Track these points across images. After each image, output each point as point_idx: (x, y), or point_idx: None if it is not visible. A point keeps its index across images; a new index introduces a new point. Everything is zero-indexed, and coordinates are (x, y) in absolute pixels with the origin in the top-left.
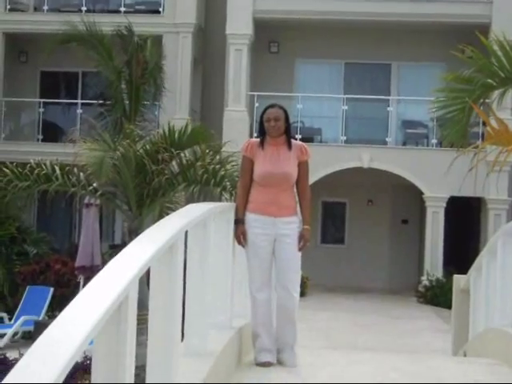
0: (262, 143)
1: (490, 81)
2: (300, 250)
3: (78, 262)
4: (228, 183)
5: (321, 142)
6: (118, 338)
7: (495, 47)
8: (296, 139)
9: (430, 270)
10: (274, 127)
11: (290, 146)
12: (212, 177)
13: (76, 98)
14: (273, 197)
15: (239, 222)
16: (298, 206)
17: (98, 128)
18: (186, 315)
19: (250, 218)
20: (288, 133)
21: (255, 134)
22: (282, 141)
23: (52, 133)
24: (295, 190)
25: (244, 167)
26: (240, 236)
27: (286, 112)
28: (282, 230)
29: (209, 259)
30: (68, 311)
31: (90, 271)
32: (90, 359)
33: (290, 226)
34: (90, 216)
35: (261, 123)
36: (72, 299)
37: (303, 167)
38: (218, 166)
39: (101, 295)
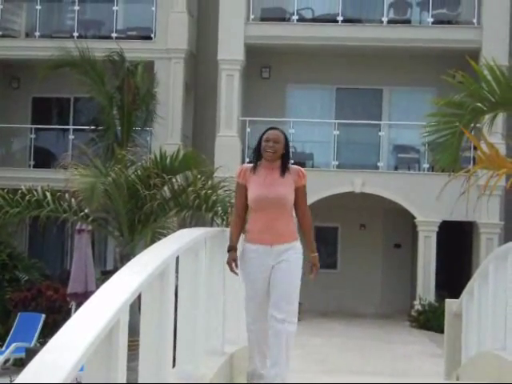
0: (255, 168)
1: (480, 105)
2: (313, 279)
3: (71, 289)
4: (220, 208)
5: (313, 166)
6: (109, 363)
7: (485, 72)
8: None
9: (423, 295)
10: (272, 148)
11: (285, 170)
12: (204, 202)
13: (68, 124)
14: (268, 223)
15: (232, 249)
16: (302, 233)
17: (89, 154)
18: (178, 341)
19: (247, 247)
20: (285, 159)
21: (247, 159)
22: (277, 165)
23: (44, 159)
24: (294, 216)
25: (237, 194)
26: (232, 263)
27: (286, 138)
28: (278, 258)
29: (200, 285)
30: (59, 336)
31: (83, 297)
32: None
33: (288, 253)
34: (82, 242)
35: (258, 146)
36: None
37: (301, 192)
38: (209, 192)
39: (91, 320)
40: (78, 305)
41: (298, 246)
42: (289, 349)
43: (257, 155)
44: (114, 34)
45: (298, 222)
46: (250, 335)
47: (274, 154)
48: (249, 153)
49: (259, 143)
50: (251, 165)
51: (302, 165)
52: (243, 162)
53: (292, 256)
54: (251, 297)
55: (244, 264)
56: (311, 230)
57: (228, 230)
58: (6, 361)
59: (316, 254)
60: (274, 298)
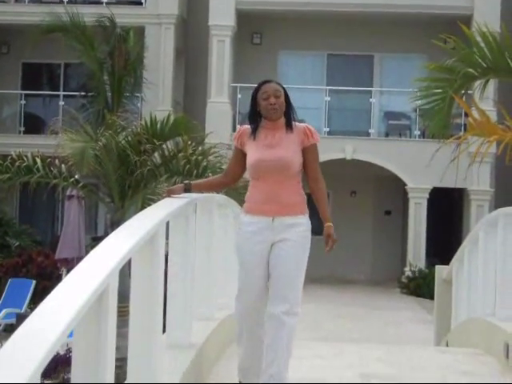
0: (254, 131)
1: (471, 70)
2: (328, 251)
3: (58, 254)
4: (210, 174)
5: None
6: (99, 329)
7: (477, 38)
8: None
9: (413, 261)
10: (275, 106)
11: (289, 128)
12: (194, 168)
13: (58, 90)
14: (270, 192)
15: (185, 186)
16: (314, 201)
17: (79, 120)
18: (168, 307)
19: (244, 220)
20: (288, 114)
21: (238, 126)
22: (280, 124)
23: (34, 125)
24: (301, 183)
25: (232, 157)
26: (168, 192)
27: (284, 89)
28: (280, 234)
29: (190, 251)
30: (47, 302)
31: (74, 263)
32: None
33: (293, 230)
34: (72, 208)
35: (253, 107)
36: None
37: (311, 153)
38: (200, 157)
39: (80, 286)
40: (69, 271)
41: (305, 221)
42: (290, 345)
43: (253, 117)
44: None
45: (310, 188)
46: (237, 319)
47: (279, 110)
48: (239, 119)
49: (254, 103)
50: (250, 127)
51: None
52: (234, 128)
53: (298, 234)
54: (241, 276)
55: (240, 239)
56: (325, 198)
57: (218, 195)
58: None
59: (331, 223)
60: (274, 284)
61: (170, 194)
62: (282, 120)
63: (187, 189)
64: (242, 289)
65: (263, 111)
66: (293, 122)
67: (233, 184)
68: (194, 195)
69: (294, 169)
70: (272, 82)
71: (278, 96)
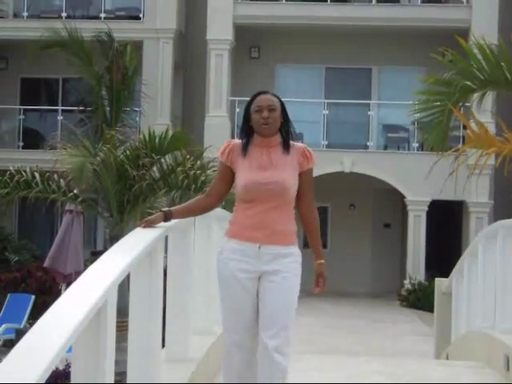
0: (246, 147)
1: (469, 83)
2: (318, 291)
3: (48, 263)
4: (208, 189)
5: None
6: (98, 344)
7: (475, 50)
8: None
9: (413, 274)
10: (268, 120)
11: (286, 147)
12: (193, 182)
13: (56, 105)
14: (261, 218)
15: (164, 214)
16: (306, 232)
17: (78, 134)
18: (167, 321)
19: (229, 246)
20: (285, 130)
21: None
22: (275, 141)
23: (33, 139)
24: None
25: (217, 174)
26: (144, 223)
27: (282, 102)
28: (269, 265)
29: (189, 265)
30: (46, 318)
31: (72, 278)
32: None
33: (283, 261)
34: (68, 222)
35: (245, 120)
36: None
37: (308, 177)
38: (198, 172)
39: (79, 301)
40: (68, 285)
41: (296, 251)
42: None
43: (246, 131)
44: (102, 14)
45: (302, 216)
46: (227, 354)
47: (272, 126)
48: (238, 133)
49: (247, 115)
50: (241, 141)
51: None
52: None
53: (289, 266)
54: (227, 307)
55: (222, 268)
56: (318, 229)
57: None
58: None
59: (323, 261)
60: (261, 319)
61: (148, 224)
62: (278, 137)
63: (167, 217)
64: (228, 327)
65: (255, 125)
66: (291, 141)
67: (217, 205)
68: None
69: (291, 194)
70: (267, 94)
71: (272, 109)
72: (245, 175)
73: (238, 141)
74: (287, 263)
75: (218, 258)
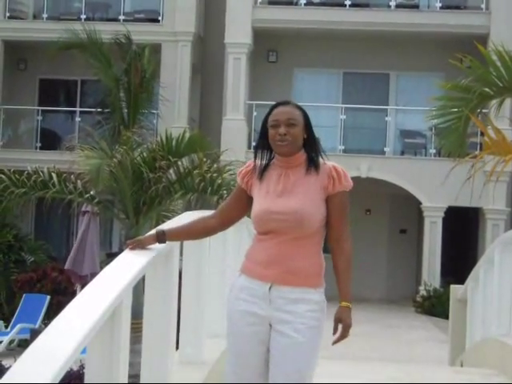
0: (264, 168)
1: (487, 90)
2: (336, 342)
3: (68, 266)
4: (225, 192)
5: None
6: (112, 345)
7: (494, 57)
8: (322, 158)
9: (428, 280)
10: (286, 137)
11: (310, 168)
12: (209, 185)
13: (74, 106)
14: (275, 252)
15: (157, 234)
16: (334, 269)
17: (95, 136)
18: (182, 324)
19: (239, 283)
20: (310, 148)
21: (253, 144)
22: (297, 160)
23: (50, 140)
24: (322, 245)
25: (231, 195)
26: (132, 244)
27: (305, 115)
28: (280, 312)
29: (204, 268)
30: (61, 318)
31: (87, 279)
32: None
33: (299, 309)
34: (86, 223)
35: (262, 134)
36: None
37: (336, 203)
38: (215, 175)
39: (94, 302)
40: (83, 286)
41: (317, 298)
42: None
43: (263, 148)
44: (121, 17)
45: (331, 250)
46: None
47: (290, 145)
48: (255, 136)
49: (265, 130)
50: (262, 163)
51: None
52: (249, 145)
53: (305, 315)
54: (232, 353)
55: (230, 307)
56: (350, 265)
57: None
58: (11, 342)
59: (349, 304)
60: (271, 377)
61: (138, 245)
62: (301, 156)
63: (160, 239)
64: (231, 372)
65: (271, 142)
66: (319, 161)
67: (221, 229)
68: (206, 212)
69: (313, 225)
70: (288, 105)
71: (291, 124)
72: (260, 203)
73: (257, 162)
74: (303, 312)
75: (228, 295)
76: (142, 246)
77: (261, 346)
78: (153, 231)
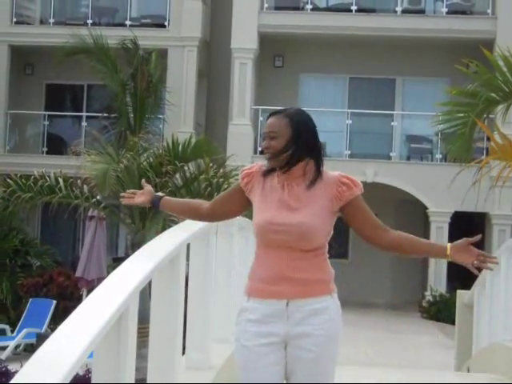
0: (266, 174)
1: (493, 95)
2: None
3: (78, 273)
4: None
5: (325, 156)
6: (119, 350)
7: (500, 62)
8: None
9: (434, 286)
10: (268, 150)
11: (316, 179)
12: (215, 190)
13: (81, 111)
14: (281, 268)
15: (155, 198)
16: (405, 250)
17: (102, 141)
18: (188, 328)
19: (247, 305)
20: (310, 157)
21: (259, 148)
22: (297, 172)
23: (57, 145)
24: (327, 256)
25: (228, 191)
26: (127, 194)
27: (298, 123)
28: (299, 326)
29: (211, 272)
30: (67, 323)
31: (94, 284)
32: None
33: (317, 319)
34: (93, 229)
35: None
36: None
37: (357, 206)
38: (221, 180)
39: (101, 307)
40: (90, 291)
41: (332, 304)
42: None
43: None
44: (127, 22)
45: (381, 245)
46: None
47: (273, 158)
48: (261, 141)
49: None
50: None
51: None
52: (256, 150)
53: (324, 326)
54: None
55: (239, 334)
56: (411, 236)
57: (239, 217)
58: (17, 346)
59: (449, 244)
60: None
61: (128, 201)
62: (302, 167)
63: (155, 204)
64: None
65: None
66: (322, 171)
67: (210, 220)
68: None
69: (319, 240)
70: (276, 116)
71: (272, 137)
72: (261, 213)
73: (262, 166)
74: (321, 323)
75: (236, 320)
76: (135, 203)
77: (277, 366)
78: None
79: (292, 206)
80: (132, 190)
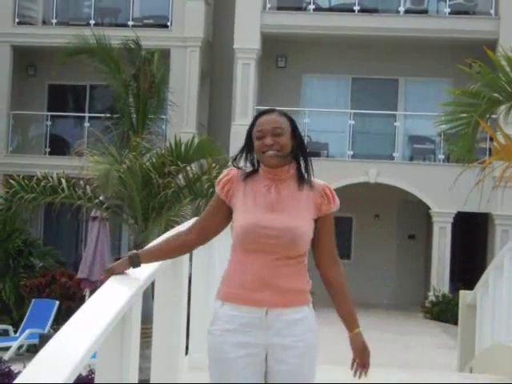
0: (247, 177)
1: (496, 95)
2: (361, 371)
3: (81, 274)
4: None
5: (327, 156)
6: (122, 351)
7: (503, 62)
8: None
9: (437, 286)
10: (273, 147)
11: (302, 182)
12: None
13: (83, 112)
14: (263, 274)
15: (131, 258)
16: (331, 293)
17: (104, 141)
18: (191, 328)
19: (222, 312)
20: (299, 158)
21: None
22: (287, 173)
23: (59, 146)
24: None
25: (208, 207)
26: (106, 273)
27: (293, 122)
28: (280, 338)
29: (213, 273)
30: (71, 323)
31: (97, 284)
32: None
33: (297, 329)
34: (95, 229)
35: (247, 146)
36: None
37: (326, 224)
38: None
39: (104, 308)
40: (92, 292)
41: (310, 315)
42: None
43: (245, 161)
44: (130, 22)
45: (323, 273)
46: None
47: (279, 155)
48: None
49: (249, 141)
50: (246, 171)
51: (317, 154)
52: None
53: (304, 337)
54: None
55: (214, 344)
56: (345, 291)
57: None
58: (20, 347)
59: (360, 329)
60: None
61: (109, 273)
62: (290, 168)
63: (134, 262)
64: None
65: (258, 155)
66: (310, 174)
67: (199, 244)
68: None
69: (304, 244)
70: (272, 113)
71: (277, 133)
72: (245, 216)
73: (238, 171)
74: (301, 334)
75: (209, 328)
76: (115, 273)
77: (256, 378)
78: (126, 255)
79: (278, 208)
80: (109, 269)
